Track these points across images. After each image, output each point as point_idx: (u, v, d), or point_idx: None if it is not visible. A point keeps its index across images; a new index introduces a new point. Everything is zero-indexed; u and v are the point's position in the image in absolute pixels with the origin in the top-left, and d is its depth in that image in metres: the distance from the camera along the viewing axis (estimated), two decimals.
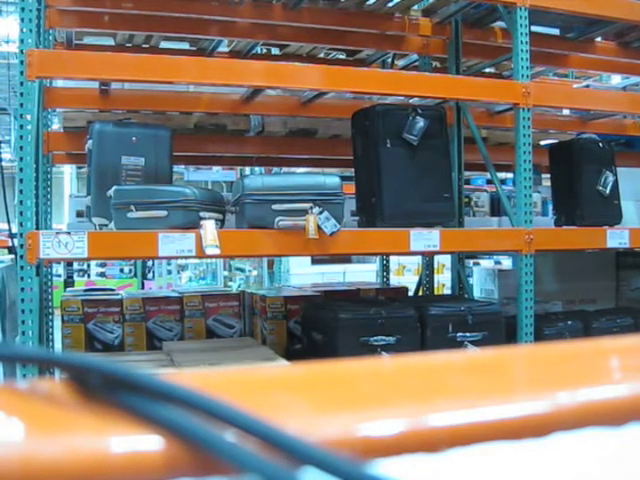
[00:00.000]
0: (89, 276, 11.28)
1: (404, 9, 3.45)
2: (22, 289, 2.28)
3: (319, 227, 2.50)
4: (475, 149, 3.37)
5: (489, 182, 5.91)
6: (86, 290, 3.94)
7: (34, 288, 2.31)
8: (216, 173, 10.57)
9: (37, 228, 2.39)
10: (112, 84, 3.25)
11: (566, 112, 4.28)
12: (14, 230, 2.63)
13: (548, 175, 3.72)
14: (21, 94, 2.32)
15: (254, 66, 2.80)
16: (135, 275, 11.09)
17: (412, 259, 8.27)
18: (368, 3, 3.32)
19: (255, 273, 10.43)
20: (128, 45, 3.63)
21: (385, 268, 4.56)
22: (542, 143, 4.21)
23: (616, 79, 5.62)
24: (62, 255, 2.32)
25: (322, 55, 4.06)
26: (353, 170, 3.09)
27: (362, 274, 7.28)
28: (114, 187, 2.51)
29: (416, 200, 2.83)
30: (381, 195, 2.80)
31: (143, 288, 10.02)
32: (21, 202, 2.29)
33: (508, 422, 0.35)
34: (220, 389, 0.34)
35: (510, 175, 5.29)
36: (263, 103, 3.47)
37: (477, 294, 3.89)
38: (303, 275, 7.95)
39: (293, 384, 0.41)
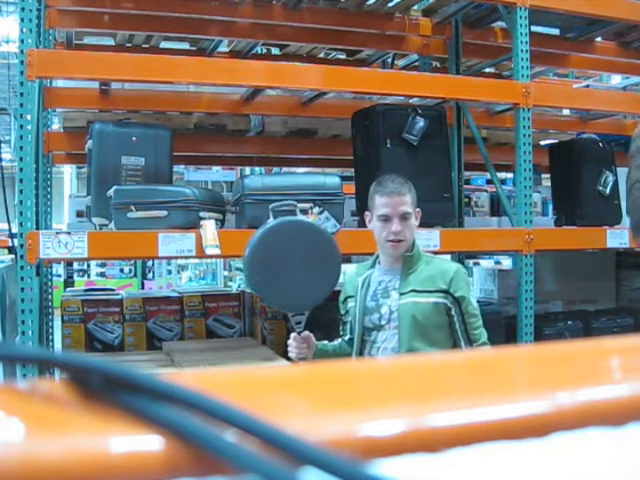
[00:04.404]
0: (89, 276, 11.28)
1: (404, 9, 3.45)
2: (22, 289, 2.28)
3: None
4: (475, 149, 3.37)
5: (489, 182, 5.91)
6: (86, 290, 3.94)
7: (34, 288, 2.31)
8: (216, 173, 10.57)
9: (37, 228, 2.39)
10: (112, 84, 3.25)
11: (566, 112, 4.28)
12: (14, 230, 2.62)
13: (548, 175, 3.72)
14: (21, 94, 2.32)
15: (254, 66, 2.80)
16: (135, 275, 11.09)
17: None
18: (368, 3, 3.32)
19: None
20: (128, 45, 3.63)
21: None
22: (542, 143, 4.21)
23: (616, 79, 5.62)
24: (62, 255, 2.32)
25: (322, 55, 4.06)
26: (353, 170, 3.09)
27: None
28: (114, 187, 2.51)
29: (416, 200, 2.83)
30: None
31: (143, 288, 10.02)
32: (21, 202, 2.29)
33: (508, 422, 0.35)
34: (220, 389, 0.34)
35: (510, 175, 5.29)
36: (263, 103, 3.47)
37: (477, 294, 3.89)
38: None
39: (293, 384, 0.41)
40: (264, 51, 4.08)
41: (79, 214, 3.40)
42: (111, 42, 3.64)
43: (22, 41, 2.33)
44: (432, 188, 2.87)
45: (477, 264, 5.89)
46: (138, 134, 2.73)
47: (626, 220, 3.42)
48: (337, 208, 2.59)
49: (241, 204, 2.58)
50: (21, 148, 2.31)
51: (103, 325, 3.19)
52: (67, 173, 15.06)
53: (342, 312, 2.27)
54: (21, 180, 2.30)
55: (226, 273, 11.03)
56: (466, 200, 3.95)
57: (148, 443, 0.29)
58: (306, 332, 2.00)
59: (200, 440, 0.29)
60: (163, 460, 0.29)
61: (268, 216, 2.50)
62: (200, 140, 3.76)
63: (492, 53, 3.79)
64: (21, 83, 2.31)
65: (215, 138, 3.80)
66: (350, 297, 2.21)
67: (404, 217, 2.07)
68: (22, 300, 2.29)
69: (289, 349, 2.04)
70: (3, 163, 2.79)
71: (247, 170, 7.98)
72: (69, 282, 10.20)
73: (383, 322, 2.10)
